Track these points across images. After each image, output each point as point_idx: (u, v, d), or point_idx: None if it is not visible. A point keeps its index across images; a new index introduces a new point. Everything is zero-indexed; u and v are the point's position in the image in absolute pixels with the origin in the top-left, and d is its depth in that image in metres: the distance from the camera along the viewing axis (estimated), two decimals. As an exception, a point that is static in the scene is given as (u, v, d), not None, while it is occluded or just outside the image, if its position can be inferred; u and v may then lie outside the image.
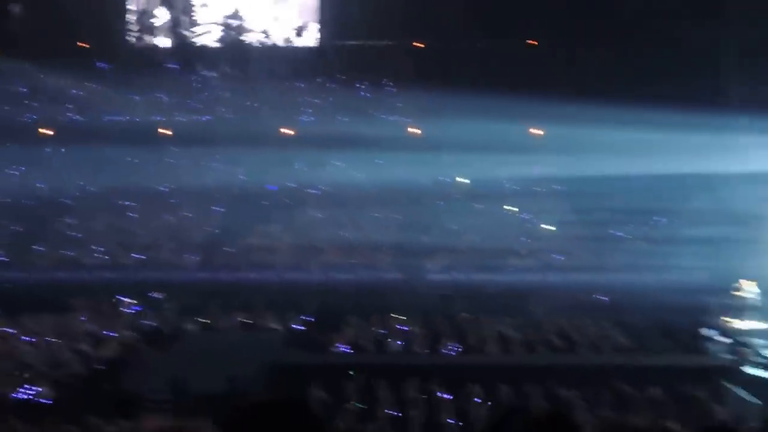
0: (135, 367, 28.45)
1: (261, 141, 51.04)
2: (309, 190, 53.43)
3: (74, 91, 56.04)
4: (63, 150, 52.86)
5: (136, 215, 50.58)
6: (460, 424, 23.29)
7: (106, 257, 44.95)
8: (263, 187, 52.84)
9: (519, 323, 34.34)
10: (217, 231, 49.19)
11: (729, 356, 28.19)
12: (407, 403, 24.78)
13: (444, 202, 51.78)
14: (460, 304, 37.84)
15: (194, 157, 54.17)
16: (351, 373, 26.38)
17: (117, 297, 37.47)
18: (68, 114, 54.85)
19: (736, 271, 35.17)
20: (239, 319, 35.74)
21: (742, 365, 27.14)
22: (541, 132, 52.83)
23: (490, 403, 25.00)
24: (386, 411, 24.08)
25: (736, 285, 33.06)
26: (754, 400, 24.57)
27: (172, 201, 51.65)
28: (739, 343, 29.41)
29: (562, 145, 47.36)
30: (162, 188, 51.63)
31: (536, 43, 52.46)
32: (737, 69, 43.23)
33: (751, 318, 32.95)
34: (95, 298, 36.58)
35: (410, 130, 54.54)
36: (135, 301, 37.53)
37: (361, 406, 24.59)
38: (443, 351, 30.98)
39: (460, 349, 31.18)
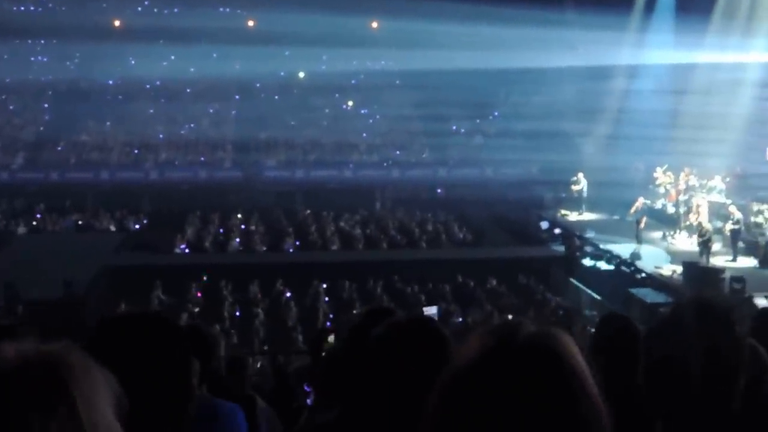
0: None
1: (90, 33, 48.81)
2: (141, 85, 51.77)
3: None
4: None
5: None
6: (302, 322, 23.30)
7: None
8: (93, 82, 50.87)
9: (360, 219, 34.50)
10: (44, 129, 47.24)
11: (564, 247, 29.04)
12: (250, 302, 24.60)
13: (281, 97, 51.12)
14: (300, 200, 37.65)
15: (18, 50, 51.45)
16: (204, 278, 25.96)
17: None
18: None
19: (569, 164, 36.14)
20: (72, 220, 34.56)
21: (577, 256, 28.04)
22: (379, 25, 52.53)
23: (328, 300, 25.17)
24: (230, 311, 23.84)
25: (573, 178, 33.97)
26: (588, 289, 25.48)
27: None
28: (574, 234, 30.35)
29: (400, 39, 47.18)
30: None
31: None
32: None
33: (584, 210, 34.04)
34: None
35: (246, 21, 53.33)
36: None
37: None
38: (285, 248, 30.86)
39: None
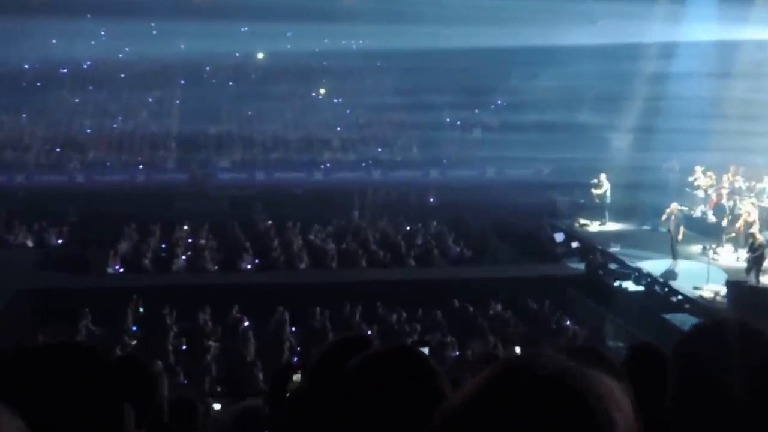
0: None
1: (1, 6, 48.72)
2: (64, 69, 51.67)
3: None
4: None
5: None
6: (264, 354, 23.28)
7: None
8: (6, 65, 50.69)
9: (334, 231, 34.46)
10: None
11: (584, 265, 29.08)
12: (200, 333, 24.55)
13: (237, 83, 51.10)
14: (260, 209, 37.59)
15: None
16: (141, 305, 25.93)
17: None
18: None
19: (588, 163, 36.18)
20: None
21: (599, 275, 28.07)
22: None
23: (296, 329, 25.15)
24: (175, 344, 23.79)
25: (593, 180, 34.00)
26: (613, 315, 25.51)
27: None
28: (595, 248, 30.37)
29: (381, 12, 47.20)
30: None
31: None
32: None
33: (607, 219, 34.06)
34: None
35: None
36: None
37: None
38: (242, 267, 30.83)
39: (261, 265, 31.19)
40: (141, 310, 25.95)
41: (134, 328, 25.01)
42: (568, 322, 25.67)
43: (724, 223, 29.52)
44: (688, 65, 38.64)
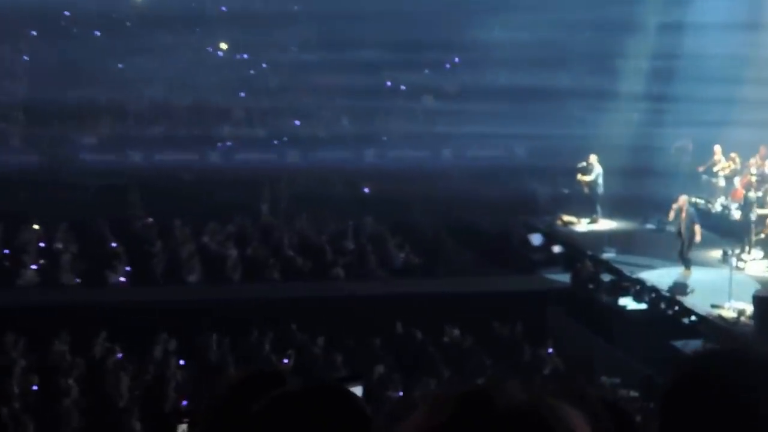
0: None
1: None
2: None
3: None
4: None
5: None
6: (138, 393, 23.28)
7: None
8: None
9: (236, 231, 34.44)
10: None
11: (568, 276, 29.30)
12: (56, 369, 24.48)
13: (106, 33, 50.82)
14: (136, 200, 37.47)
15: None
16: None
17: None
18: None
19: (575, 141, 36.37)
20: None
21: (588, 289, 28.28)
22: None
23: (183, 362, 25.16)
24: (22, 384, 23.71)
25: (581, 164, 34.21)
26: (606, 341, 25.74)
27: None
28: (583, 254, 30.59)
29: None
30: None
31: None
32: None
33: (599, 215, 34.30)
34: None
35: None
36: None
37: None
38: (112, 280, 30.73)
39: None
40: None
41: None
42: (549, 351, 25.83)
43: (753, 219, 29.80)
44: (708, 13, 38.86)
